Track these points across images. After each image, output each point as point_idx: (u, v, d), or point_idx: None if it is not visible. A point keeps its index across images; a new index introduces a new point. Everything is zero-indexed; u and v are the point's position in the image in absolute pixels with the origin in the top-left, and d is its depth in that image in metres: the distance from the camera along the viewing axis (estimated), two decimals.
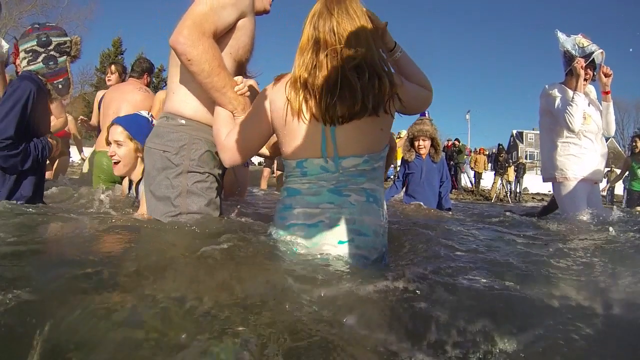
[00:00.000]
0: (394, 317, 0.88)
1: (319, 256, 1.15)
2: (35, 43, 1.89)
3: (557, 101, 2.77)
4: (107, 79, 4.06)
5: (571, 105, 2.66)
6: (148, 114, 2.16)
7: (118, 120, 2.07)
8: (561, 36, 2.82)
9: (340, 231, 1.18)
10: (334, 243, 1.17)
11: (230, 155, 1.34)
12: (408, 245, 1.58)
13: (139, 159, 2.05)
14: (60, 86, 1.98)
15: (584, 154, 2.75)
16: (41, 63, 1.89)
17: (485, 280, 1.08)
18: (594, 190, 2.81)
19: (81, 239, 1.32)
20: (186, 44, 1.33)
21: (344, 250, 1.17)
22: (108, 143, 2.08)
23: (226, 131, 1.35)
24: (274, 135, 1.36)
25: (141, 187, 2.00)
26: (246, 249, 1.21)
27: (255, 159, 16.84)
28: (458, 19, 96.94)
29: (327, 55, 1.16)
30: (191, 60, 1.35)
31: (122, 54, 36.06)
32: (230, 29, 1.49)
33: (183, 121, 1.53)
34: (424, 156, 3.56)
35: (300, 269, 1.09)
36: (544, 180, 2.94)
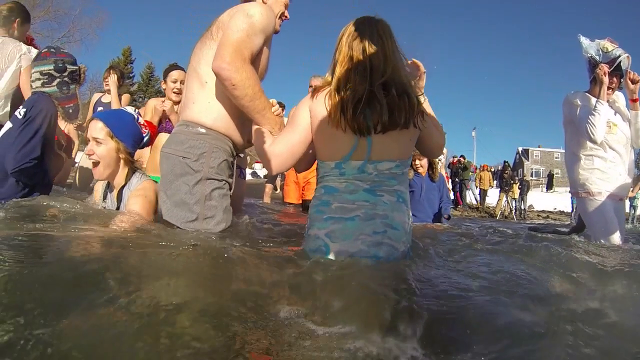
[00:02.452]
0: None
1: (357, 245, 1.29)
2: (53, 68, 2.01)
3: (579, 110, 2.56)
4: (104, 83, 4.14)
5: (593, 115, 2.44)
6: (135, 110, 1.92)
7: (99, 115, 1.82)
8: (584, 41, 2.62)
9: (375, 224, 1.30)
10: (369, 233, 1.30)
11: (277, 162, 1.43)
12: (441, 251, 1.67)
13: (122, 161, 1.80)
14: (70, 110, 2.11)
15: (609, 167, 2.52)
16: (55, 87, 2.02)
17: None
18: (618, 207, 2.57)
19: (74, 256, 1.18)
20: (230, 70, 1.43)
21: (376, 240, 1.30)
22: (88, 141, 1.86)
23: (269, 142, 1.46)
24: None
25: (127, 192, 1.77)
26: (275, 243, 1.44)
27: (262, 172, 17.02)
28: (464, 36, 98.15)
29: (358, 72, 1.31)
30: (235, 85, 1.45)
31: (132, 63, 36.62)
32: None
33: (203, 130, 1.59)
34: (423, 174, 3.62)
35: (336, 258, 1.26)
36: (572, 195, 2.75)
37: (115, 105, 3.91)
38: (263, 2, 1.73)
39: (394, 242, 1.32)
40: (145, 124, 1.92)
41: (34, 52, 2.38)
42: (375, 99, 1.28)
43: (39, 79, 2.02)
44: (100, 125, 1.76)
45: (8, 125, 1.96)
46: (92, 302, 0.83)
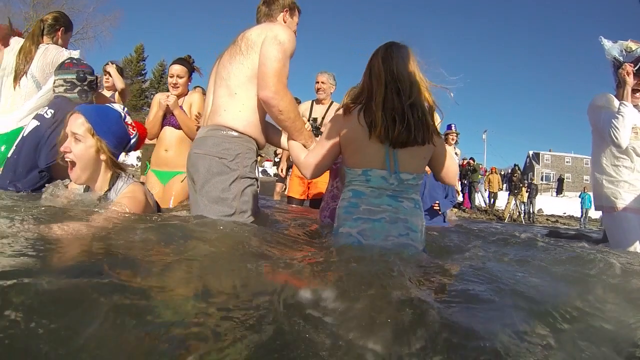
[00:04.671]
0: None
1: (387, 244, 1.47)
2: (75, 77, 2.24)
3: (602, 113, 2.43)
4: (105, 80, 4.10)
5: (617, 118, 2.33)
6: (123, 109, 1.77)
7: (81, 109, 1.63)
8: (606, 43, 2.51)
9: (399, 227, 1.51)
10: (395, 235, 1.50)
11: (310, 170, 1.68)
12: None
13: (103, 163, 1.62)
14: None
15: (637, 179, 2.38)
16: (76, 94, 2.25)
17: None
18: None
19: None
20: (277, 98, 1.67)
21: (402, 241, 1.50)
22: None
23: (304, 154, 1.72)
24: None
25: (112, 196, 1.62)
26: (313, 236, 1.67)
27: (271, 171, 17.15)
28: (475, 38, 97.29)
29: (394, 93, 1.48)
30: (282, 110, 1.70)
31: (144, 61, 36.95)
32: None
33: (235, 134, 1.75)
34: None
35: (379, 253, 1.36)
36: (596, 208, 2.60)
37: (118, 83, 3.87)
38: (284, 19, 1.96)
39: (415, 242, 1.52)
40: (134, 124, 1.78)
41: (75, 53, 2.52)
42: (407, 118, 1.47)
43: (62, 85, 2.25)
44: (81, 120, 1.59)
45: (34, 123, 2.13)
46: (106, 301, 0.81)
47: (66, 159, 1.59)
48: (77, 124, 1.58)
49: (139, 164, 10.61)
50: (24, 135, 2.12)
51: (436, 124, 1.67)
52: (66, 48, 2.73)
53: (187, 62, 3.07)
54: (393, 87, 1.50)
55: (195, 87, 3.20)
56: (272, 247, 1.36)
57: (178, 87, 3.00)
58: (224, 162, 1.71)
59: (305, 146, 1.81)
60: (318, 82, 3.85)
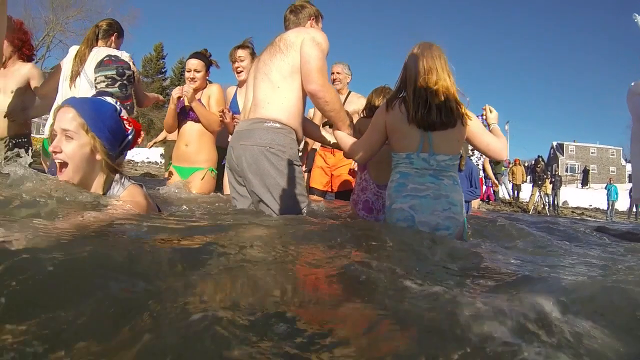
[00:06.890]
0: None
1: (434, 218, 1.71)
2: (115, 73, 2.39)
3: None
4: None
5: None
6: (116, 102, 1.57)
7: (71, 102, 1.42)
8: None
9: (442, 202, 1.74)
10: (440, 210, 1.73)
11: (361, 156, 1.95)
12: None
13: (99, 165, 1.41)
14: (128, 107, 2.43)
15: None
16: (117, 88, 2.39)
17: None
18: None
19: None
20: (323, 91, 1.88)
21: (446, 215, 1.73)
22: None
23: (352, 142, 1.98)
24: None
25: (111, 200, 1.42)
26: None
27: None
28: (499, 30, 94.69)
29: (422, 83, 1.74)
30: (328, 102, 1.92)
31: (164, 59, 37.54)
32: None
33: (279, 125, 1.90)
34: None
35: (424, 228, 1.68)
36: (634, 200, 2.51)
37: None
38: (311, 25, 2.12)
39: (456, 215, 1.74)
40: (130, 120, 1.57)
41: (126, 55, 2.64)
42: (431, 103, 1.71)
43: (104, 81, 2.39)
44: (71, 114, 1.36)
45: None
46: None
47: (56, 161, 1.36)
48: (67, 118, 1.36)
49: (163, 161, 10.84)
50: None
51: (492, 124, 2.01)
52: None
53: (204, 56, 3.08)
54: (421, 79, 1.74)
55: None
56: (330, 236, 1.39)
57: (196, 81, 3.01)
58: (273, 152, 1.85)
59: (350, 134, 2.02)
60: (334, 73, 3.76)
